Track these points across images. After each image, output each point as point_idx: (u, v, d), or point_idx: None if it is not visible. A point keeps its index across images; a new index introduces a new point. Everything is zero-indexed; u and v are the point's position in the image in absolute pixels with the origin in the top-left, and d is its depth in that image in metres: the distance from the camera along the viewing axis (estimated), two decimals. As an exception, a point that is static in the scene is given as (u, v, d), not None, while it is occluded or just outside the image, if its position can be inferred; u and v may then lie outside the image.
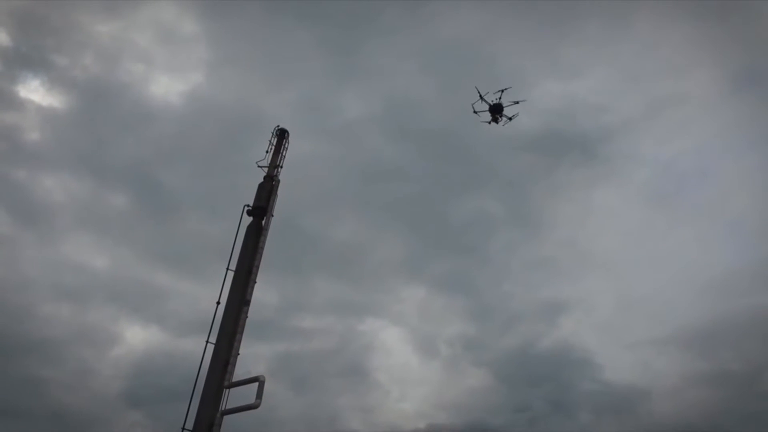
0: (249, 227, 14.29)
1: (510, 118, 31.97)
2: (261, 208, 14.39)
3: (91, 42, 58.97)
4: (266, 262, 14.14)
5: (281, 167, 15.11)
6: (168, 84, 64.91)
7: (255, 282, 13.62)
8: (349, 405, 51.57)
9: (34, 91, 58.68)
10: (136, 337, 51.13)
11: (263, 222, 14.29)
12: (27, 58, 57.94)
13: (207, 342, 13.02)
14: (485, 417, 50.77)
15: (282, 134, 15.44)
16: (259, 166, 15.02)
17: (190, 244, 52.32)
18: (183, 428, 12.21)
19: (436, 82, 64.90)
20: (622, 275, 63.58)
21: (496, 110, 31.62)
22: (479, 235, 65.05)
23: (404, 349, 59.27)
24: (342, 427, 49.14)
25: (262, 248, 13.91)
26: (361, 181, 63.32)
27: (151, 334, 51.90)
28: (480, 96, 31.91)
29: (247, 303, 13.35)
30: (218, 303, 13.46)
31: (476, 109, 31.93)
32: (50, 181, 54.33)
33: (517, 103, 31.71)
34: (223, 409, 12.17)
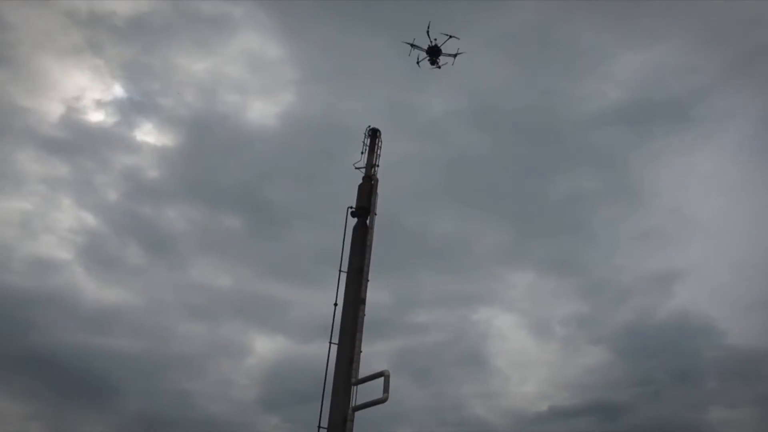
0: (355, 228, 14.68)
1: (455, 55, 30.46)
2: (364, 207, 14.75)
3: (190, 80, 63.45)
4: (376, 263, 14.45)
5: (377, 166, 15.41)
6: (262, 108, 68.23)
7: (368, 280, 13.96)
8: (471, 393, 52.02)
9: (148, 134, 63.95)
10: (265, 346, 54.72)
11: (367, 221, 14.64)
12: (139, 105, 63.47)
13: (330, 343, 13.53)
14: (608, 394, 49.80)
15: (374, 134, 15.75)
16: (356, 168, 15.41)
17: (302, 254, 54.78)
18: (319, 426, 12.76)
19: (515, 67, 64.12)
20: (732, 236, 59.79)
21: (434, 53, 30.49)
22: (580, 213, 63.24)
23: (519, 333, 58.95)
24: (468, 414, 49.73)
25: (370, 246, 14.24)
26: (455, 173, 63.22)
27: (278, 343, 55.25)
28: (412, 46, 30.05)
29: (363, 301, 13.71)
30: (335, 305, 13.93)
31: (419, 59, 30.61)
32: (172, 212, 59.26)
33: (455, 56, 30.33)
34: (353, 405, 12.59)
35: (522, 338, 58.28)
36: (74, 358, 46.27)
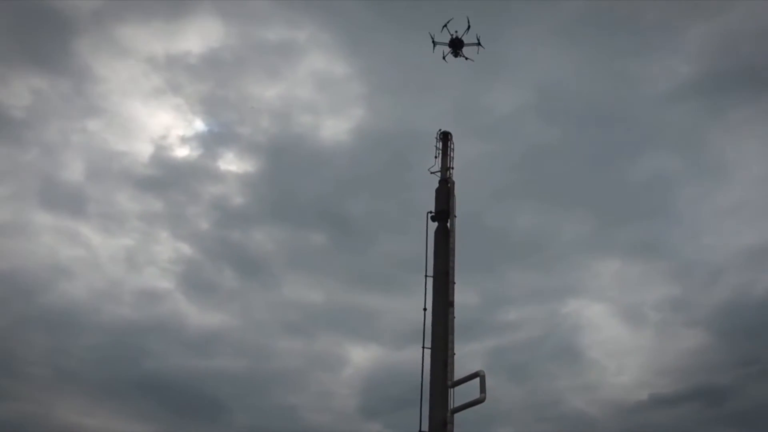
0: (436, 232, 14.79)
1: (478, 43, 28.95)
2: (443, 211, 14.83)
3: (264, 107, 66.10)
4: (461, 265, 14.45)
5: (452, 168, 15.46)
6: (335, 125, 69.90)
7: (454, 282, 14.00)
8: (568, 386, 51.31)
9: (231, 163, 67.07)
10: (360, 356, 56.05)
11: (448, 224, 14.72)
12: (219, 136, 66.80)
13: (423, 347, 13.67)
14: (710, 378, 48.37)
15: (445, 136, 15.80)
16: (431, 173, 15.51)
17: (388, 262, 55.43)
18: (420, 430, 12.92)
19: (580, 53, 62.93)
20: (827, 202, 54.62)
21: (457, 45, 29.08)
22: (662, 194, 61.41)
23: (611, 322, 57.91)
24: (566, 409, 48.81)
25: (453, 249, 14.29)
26: (529, 168, 62.32)
27: (372, 351, 56.43)
28: (434, 43, 28.64)
29: (451, 304, 13.76)
30: (425, 309, 14.06)
31: (435, 41, 28.95)
32: (259, 235, 62.04)
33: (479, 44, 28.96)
34: (451, 407, 12.66)
35: (614, 327, 57.40)
36: (184, 380, 49.27)
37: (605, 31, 62.35)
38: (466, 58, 31.20)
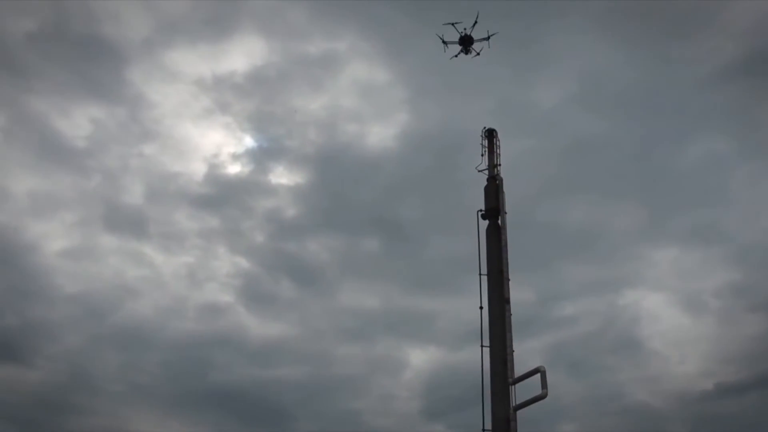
0: (488, 230, 14.76)
1: (487, 39, 30.39)
2: (493, 208, 14.78)
3: (310, 120, 67.30)
4: (514, 261, 14.39)
5: (499, 165, 15.39)
6: (380, 131, 70.49)
7: (508, 279, 13.95)
8: (630, 379, 50.39)
9: (281, 176, 68.62)
10: (419, 358, 56.43)
11: (499, 221, 14.67)
12: (269, 151, 68.34)
13: (482, 346, 13.66)
14: None
15: (491, 134, 15.73)
16: (479, 171, 15.49)
17: (441, 264, 55.69)
18: (483, 429, 12.91)
19: (621, 41, 61.49)
20: None
21: (467, 42, 30.19)
22: (715, 178, 60.09)
23: (671, 312, 56.61)
24: (629, 401, 48.07)
25: (506, 245, 14.24)
26: (577, 160, 61.83)
27: (431, 353, 56.71)
28: (444, 43, 30.35)
29: (507, 301, 13.71)
30: (481, 308, 14.05)
31: (446, 40, 30.45)
32: (313, 244, 63.14)
33: (488, 38, 30.02)
34: (513, 405, 12.60)
35: (675, 316, 56.17)
36: (250, 390, 50.57)
37: (644, 16, 61.12)
38: (477, 53, 31.33)
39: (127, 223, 62.53)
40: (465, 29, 31.12)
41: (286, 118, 67.62)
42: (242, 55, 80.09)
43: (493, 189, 15.01)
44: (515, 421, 12.47)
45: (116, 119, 64.07)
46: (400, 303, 59.06)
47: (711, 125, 61.19)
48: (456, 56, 31.75)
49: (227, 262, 61.98)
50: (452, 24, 31.12)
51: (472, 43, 31.30)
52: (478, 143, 15.92)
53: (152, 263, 59.69)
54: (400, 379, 55.28)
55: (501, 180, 15.17)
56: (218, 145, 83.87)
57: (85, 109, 64.30)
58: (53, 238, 59.22)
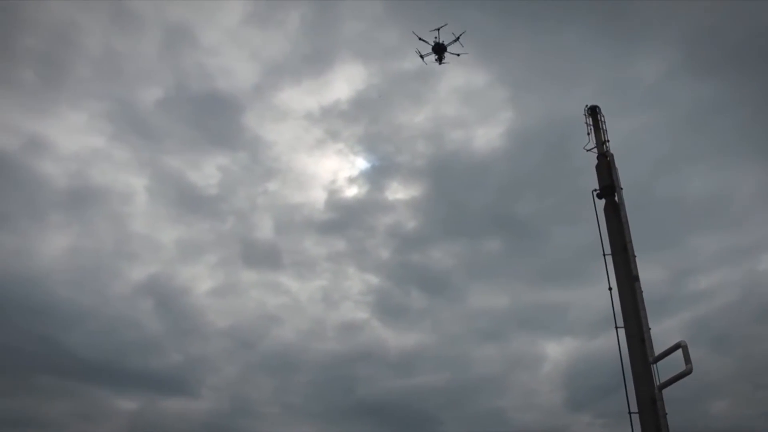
0: (605, 208, 14.31)
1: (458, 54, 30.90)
2: (607, 186, 14.33)
3: (416, 133, 68.33)
4: (637, 241, 13.80)
5: (608, 141, 14.87)
6: (486, 133, 69.86)
7: (635, 255, 13.45)
8: None
9: (397, 191, 70.41)
10: (556, 351, 55.09)
11: (615, 198, 14.19)
12: (381, 169, 70.07)
13: (616, 327, 13.24)
14: None
15: (594, 111, 15.25)
16: (587, 151, 15.05)
17: (564, 254, 54.19)
18: (629, 412, 12.47)
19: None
20: None
21: (440, 50, 30.48)
22: None
23: None
24: None
25: (626, 221, 13.74)
26: (691, 129, 58.11)
27: (567, 345, 55.28)
28: (421, 56, 31.37)
29: (636, 278, 13.20)
30: (610, 289, 13.64)
31: (421, 53, 31.24)
32: (437, 252, 63.85)
33: (458, 39, 30.08)
34: (658, 383, 12.08)
35: None
36: (395, 400, 51.95)
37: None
38: (458, 54, 30.97)
39: (263, 257, 66.99)
40: (436, 38, 31.92)
41: (393, 136, 69.29)
42: (344, 82, 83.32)
43: (605, 166, 14.54)
44: (661, 400, 11.95)
45: (240, 163, 69.25)
46: (530, 298, 58.33)
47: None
48: (435, 60, 32.45)
49: (358, 281, 64.37)
50: (437, 29, 32.19)
51: (444, 51, 31.87)
52: (584, 129, 15.47)
53: (289, 291, 63.46)
54: (540, 374, 54.64)
55: (612, 156, 14.66)
56: (334, 171, 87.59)
57: (212, 159, 70.24)
58: (201, 280, 64.84)
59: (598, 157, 14.84)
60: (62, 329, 52.56)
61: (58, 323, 52.65)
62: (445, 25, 32.13)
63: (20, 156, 60.19)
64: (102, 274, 59.42)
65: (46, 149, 62.20)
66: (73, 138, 72.95)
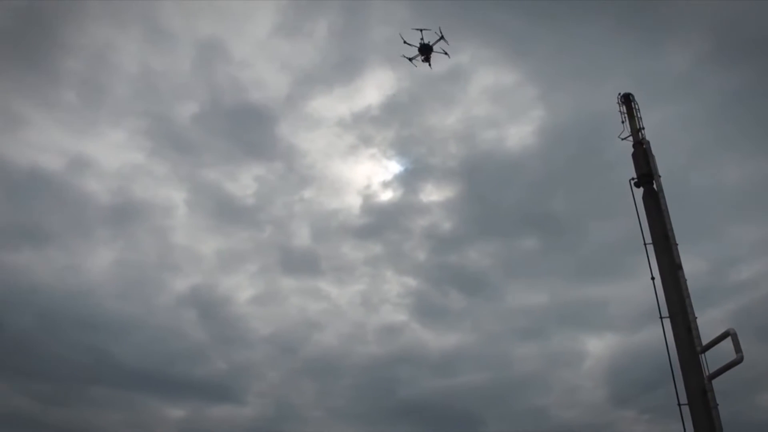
0: (644, 197, 14.00)
1: (446, 53, 31.00)
2: (645, 174, 14.02)
3: (448, 134, 68.17)
4: (677, 233, 13.48)
5: (643, 129, 14.54)
6: (518, 131, 69.11)
7: (676, 243, 13.13)
8: None
9: (431, 193, 70.23)
10: (597, 347, 54.32)
11: (654, 186, 13.88)
12: (415, 172, 70.11)
13: (661, 318, 12.93)
14: None
15: (627, 98, 14.90)
16: (622, 139, 14.72)
17: (603, 249, 53.49)
18: (678, 405, 12.15)
19: None
20: None
21: (426, 50, 30.27)
22: None
23: None
24: None
25: (666, 209, 13.43)
26: (723, 118, 55.83)
27: (608, 340, 54.51)
28: (410, 60, 30.96)
29: (679, 266, 12.88)
30: (653, 278, 13.33)
31: (409, 56, 30.75)
32: (474, 253, 63.41)
33: (443, 37, 30.14)
34: (707, 374, 11.74)
35: None
36: (437, 400, 51.91)
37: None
38: (446, 53, 30.70)
39: (301, 263, 67.59)
40: (421, 39, 31.79)
41: (424, 138, 69.24)
42: (374, 88, 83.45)
43: (641, 153, 14.23)
44: (712, 391, 11.61)
45: (275, 173, 70.12)
46: (568, 294, 57.54)
47: None
48: (422, 60, 32.38)
49: (396, 284, 64.40)
50: (419, 30, 32.24)
51: (430, 52, 31.68)
52: (617, 122, 15.14)
53: (329, 296, 63.88)
54: (581, 370, 53.83)
55: (648, 143, 14.33)
56: (368, 176, 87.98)
57: (248, 169, 71.17)
58: (242, 289, 65.75)
59: (634, 145, 14.51)
60: (111, 341, 54.12)
61: (107, 335, 54.26)
62: (428, 29, 32.06)
63: (66, 175, 62.31)
64: (147, 286, 61.01)
65: (89, 167, 64.17)
66: (114, 155, 75.11)
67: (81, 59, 64.52)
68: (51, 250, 59.17)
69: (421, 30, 32.04)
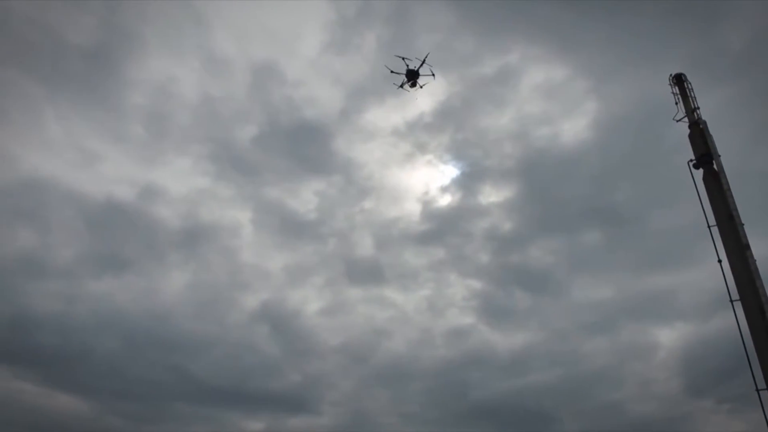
0: (704, 178, 13.63)
1: (433, 74, 31.66)
2: (704, 155, 13.64)
3: (502, 135, 67.50)
4: (745, 212, 13.07)
5: (698, 108, 14.14)
6: (572, 126, 67.23)
7: (742, 224, 12.71)
8: None
9: (490, 195, 69.13)
10: (668, 337, 52.87)
11: (714, 166, 13.47)
12: (472, 175, 69.75)
13: (731, 301, 12.56)
14: None
15: (679, 78, 14.56)
16: (677, 121, 14.38)
17: (667, 238, 51.76)
18: (757, 390, 11.76)
19: None
20: None
21: (412, 75, 31.19)
22: None
23: None
24: None
25: (729, 189, 13.03)
26: None
27: (680, 330, 52.84)
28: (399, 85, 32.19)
29: (747, 247, 12.48)
30: (719, 261, 12.97)
31: (398, 84, 31.95)
32: (536, 251, 62.59)
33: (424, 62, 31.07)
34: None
35: None
36: (509, 401, 51.31)
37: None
38: (421, 86, 30.49)
39: (366, 273, 68.17)
40: (408, 64, 32.20)
41: (479, 141, 68.85)
42: (425, 95, 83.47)
43: (698, 134, 13.85)
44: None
45: (335, 186, 71.27)
46: (635, 286, 55.73)
47: None
48: (410, 85, 32.87)
49: (461, 287, 64.07)
50: (402, 58, 32.70)
51: (417, 77, 31.98)
52: (672, 107, 14.73)
53: (395, 304, 64.21)
54: (654, 362, 51.96)
55: (705, 123, 13.93)
56: (425, 182, 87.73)
57: (309, 185, 72.56)
58: (310, 301, 66.99)
59: (690, 126, 14.15)
60: (190, 359, 56.32)
61: (185, 354, 56.51)
62: (411, 60, 32.85)
63: (138, 204, 65.29)
64: (220, 305, 63.15)
65: (158, 195, 67.07)
66: (181, 181, 78.06)
67: (145, 93, 67.82)
68: (129, 276, 62.18)
69: (403, 58, 33.11)
